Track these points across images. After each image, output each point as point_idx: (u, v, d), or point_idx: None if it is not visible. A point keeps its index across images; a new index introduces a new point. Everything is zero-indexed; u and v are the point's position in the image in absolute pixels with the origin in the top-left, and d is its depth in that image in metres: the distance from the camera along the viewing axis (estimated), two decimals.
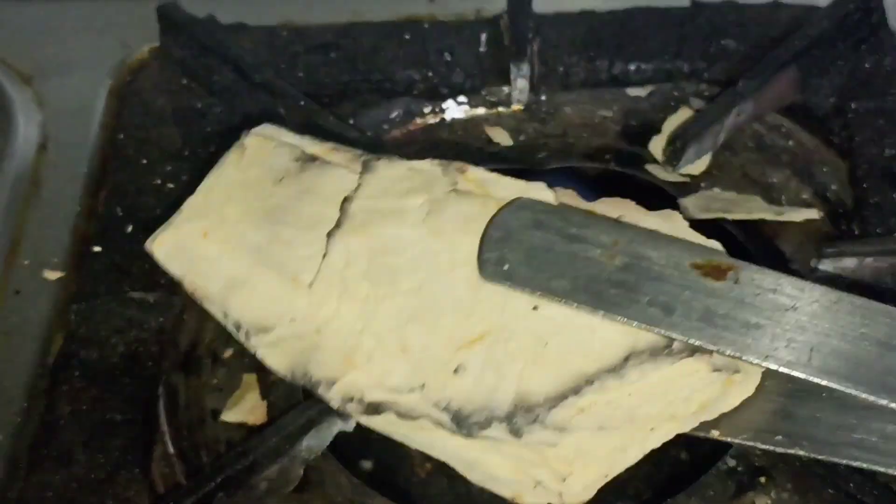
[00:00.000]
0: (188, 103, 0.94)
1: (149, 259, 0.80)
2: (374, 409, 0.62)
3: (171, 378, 0.77)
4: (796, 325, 0.57)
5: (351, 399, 0.63)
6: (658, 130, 0.89)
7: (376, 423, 0.65)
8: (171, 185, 0.86)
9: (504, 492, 0.62)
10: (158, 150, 0.90)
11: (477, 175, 0.65)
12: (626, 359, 0.58)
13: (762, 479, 0.70)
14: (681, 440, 0.80)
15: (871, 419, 0.60)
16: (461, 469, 0.64)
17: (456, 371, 0.60)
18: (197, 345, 0.80)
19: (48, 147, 0.93)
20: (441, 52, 0.98)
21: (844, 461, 0.61)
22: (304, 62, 0.97)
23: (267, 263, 0.67)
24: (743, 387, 0.63)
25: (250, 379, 0.77)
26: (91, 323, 0.77)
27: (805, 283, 0.59)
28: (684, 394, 0.60)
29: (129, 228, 0.83)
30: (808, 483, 0.68)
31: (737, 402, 0.63)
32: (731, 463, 0.71)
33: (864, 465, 0.61)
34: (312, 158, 0.68)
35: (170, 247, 0.71)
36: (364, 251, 0.64)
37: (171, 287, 0.79)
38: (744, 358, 0.58)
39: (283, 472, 0.69)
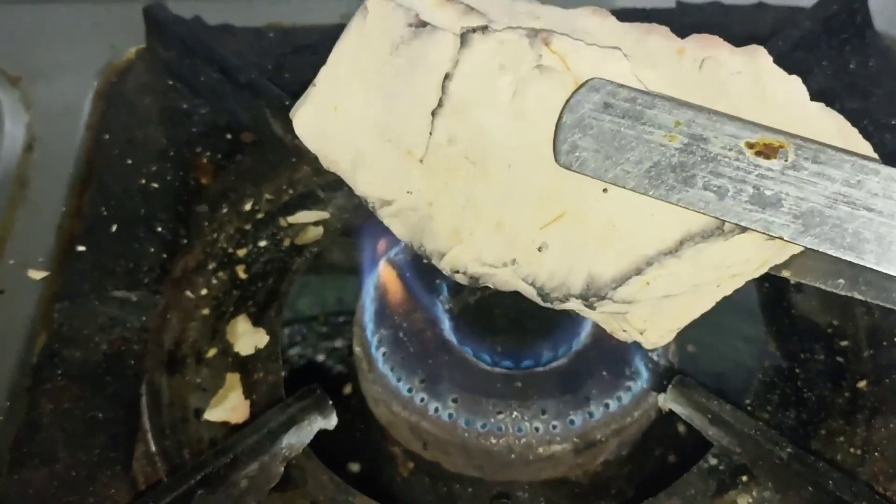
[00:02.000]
0: (174, 104, 0.94)
1: (133, 258, 0.81)
2: (476, 280, 0.66)
3: (155, 377, 0.77)
4: (847, 205, 0.57)
5: (457, 271, 0.66)
6: None
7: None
8: (155, 185, 0.86)
9: (603, 327, 0.67)
10: (144, 150, 0.90)
11: (560, 46, 0.65)
12: (681, 241, 0.61)
13: (743, 478, 0.71)
14: (664, 439, 0.81)
15: None
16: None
17: (540, 249, 0.64)
18: (180, 344, 0.80)
19: (34, 147, 0.93)
20: None
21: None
22: (291, 63, 0.97)
23: (385, 137, 0.67)
24: None
25: (233, 378, 0.77)
26: (74, 322, 0.77)
27: (862, 160, 0.59)
28: (743, 258, 0.63)
29: (114, 228, 0.83)
30: (788, 481, 0.68)
31: (799, 248, 0.63)
32: (713, 462, 0.72)
33: None
34: (423, 24, 0.68)
35: (306, 122, 0.70)
36: (462, 131, 0.65)
37: (154, 286, 0.79)
38: (793, 241, 0.59)
39: (264, 470, 0.69)
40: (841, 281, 0.63)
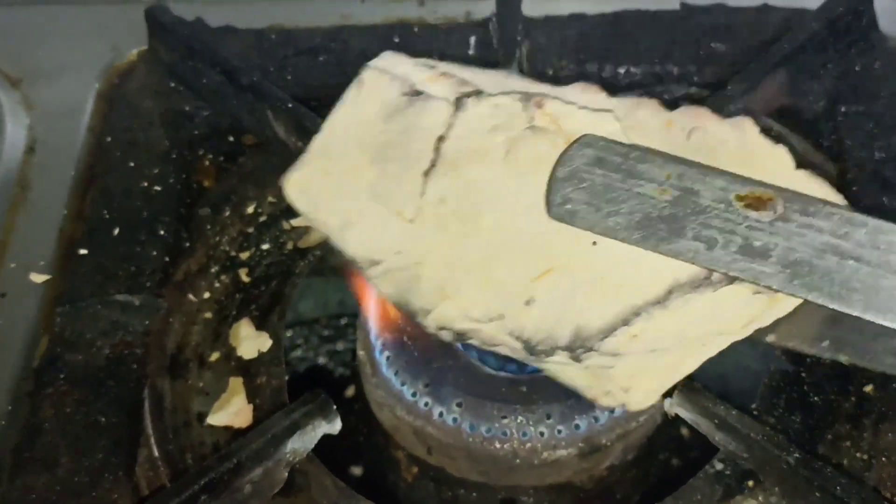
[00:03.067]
0: (176, 106, 0.94)
1: (135, 261, 0.80)
2: (461, 336, 0.67)
3: (157, 381, 0.76)
4: (835, 255, 0.58)
5: (443, 328, 0.67)
6: None
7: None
8: (157, 188, 0.86)
9: (585, 394, 0.68)
10: (146, 152, 0.89)
11: (552, 109, 0.67)
12: (670, 291, 0.62)
13: (749, 483, 0.70)
14: (670, 444, 0.81)
15: None
16: (551, 375, 0.69)
17: (527, 303, 0.65)
18: (183, 348, 0.80)
19: (36, 150, 0.93)
20: (430, 55, 0.97)
21: (884, 370, 0.65)
22: (293, 65, 0.97)
23: (377, 199, 0.69)
24: (787, 300, 0.64)
25: (236, 382, 0.77)
26: (76, 326, 0.77)
27: (849, 212, 0.59)
28: (730, 313, 0.64)
29: (116, 231, 0.83)
30: (795, 486, 0.67)
31: (785, 311, 0.65)
32: (719, 466, 0.71)
33: None
34: (418, 92, 0.70)
35: (299, 185, 0.72)
36: (454, 190, 0.67)
37: (156, 290, 0.79)
38: (782, 290, 0.59)
39: (268, 475, 0.69)
40: (825, 344, 0.65)
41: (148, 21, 0.97)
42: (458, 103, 0.67)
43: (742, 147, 0.65)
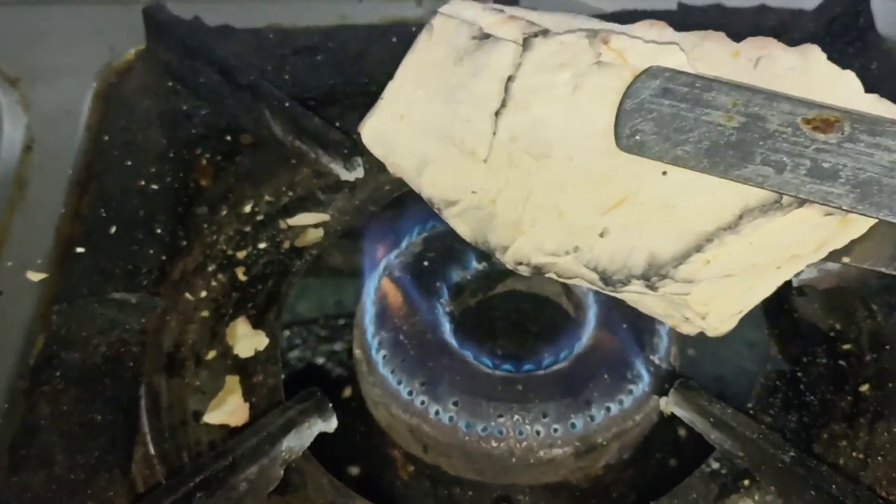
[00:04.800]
0: (173, 106, 0.94)
1: (132, 260, 0.80)
2: (539, 270, 0.69)
3: (153, 379, 0.76)
4: None
5: (520, 262, 0.69)
6: None
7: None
8: (155, 187, 0.86)
9: (665, 321, 0.71)
10: (143, 152, 0.89)
11: (618, 44, 0.67)
12: (740, 216, 0.63)
13: (745, 482, 0.70)
14: (666, 443, 0.80)
15: None
16: (630, 303, 0.71)
17: (601, 234, 0.66)
18: (180, 346, 0.79)
19: (33, 149, 0.93)
20: None
21: None
22: (291, 65, 0.97)
23: (450, 141, 0.70)
24: (860, 221, 0.65)
25: (233, 380, 0.77)
26: (73, 324, 0.76)
27: None
28: (801, 237, 0.64)
29: (113, 230, 0.83)
30: (790, 485, 0.67)
31: (859, 232, 0.65)
32: (715, 465, 0.71)
33: None
34: (486, 35, 0.70)
35: (373, 132, 0.73)
36: (524, 127, 0.68)
37: (153, 288, 0.79)
38: (853, 210, 0.59)
39: (264, 473, 0.68)
40: None
41: (146, 20, 0.97)
42: (526, 43, 0.68)
43: (810, 73, 0.64)
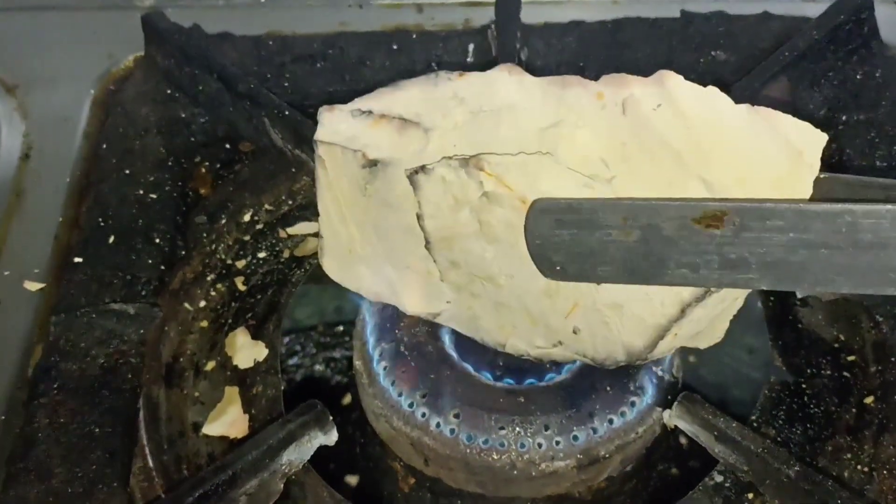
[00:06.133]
0: (172, 113, 0.93)
1: (131, 270, 0.80)
2: (540, 359, 0.72)
3: (152, 391, 0.76)
4: (805, 248, 0.58)
5: (521, 355, 0.72)
6: None
7: None
8: (153, 196, 0.85)
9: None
10: (142, 160, 0.89)
11: (493, 168, 0.66)
12: (682, 309, 0.65)
13: (749, 496, 0.70)
14: (668, 456, 0.80)
15: None
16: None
17: (575, 332, 0.69)
18: (179, 357, 0.79)
19: (31, 157, 0.93)
20: (429, 62, 0.97)
21: None
22: (290, 72, 0.96)
23: (403, 266, 0.71)
24: None
25: (232, 392, 0.76)
26: (71, 335, 0.76)
27: (802, 205, 0.59)
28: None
29: (112, 239, 0.82)
30: (795, 499, 0.67)
31: None
32: (718, 479, 0.71)
33: None
34: (374, 163, 0.69)
35: (332, 269, 0.75)
36: (459, 257, 0.69)
37: (152, 298, 0.78)
38: (776, 288, 0.60)
39: (264, 487, 0.68)
40: None
41: (144, 28, 0.97)
42: (412, 182, 0.67)
43: (674, 105, 0.63)
